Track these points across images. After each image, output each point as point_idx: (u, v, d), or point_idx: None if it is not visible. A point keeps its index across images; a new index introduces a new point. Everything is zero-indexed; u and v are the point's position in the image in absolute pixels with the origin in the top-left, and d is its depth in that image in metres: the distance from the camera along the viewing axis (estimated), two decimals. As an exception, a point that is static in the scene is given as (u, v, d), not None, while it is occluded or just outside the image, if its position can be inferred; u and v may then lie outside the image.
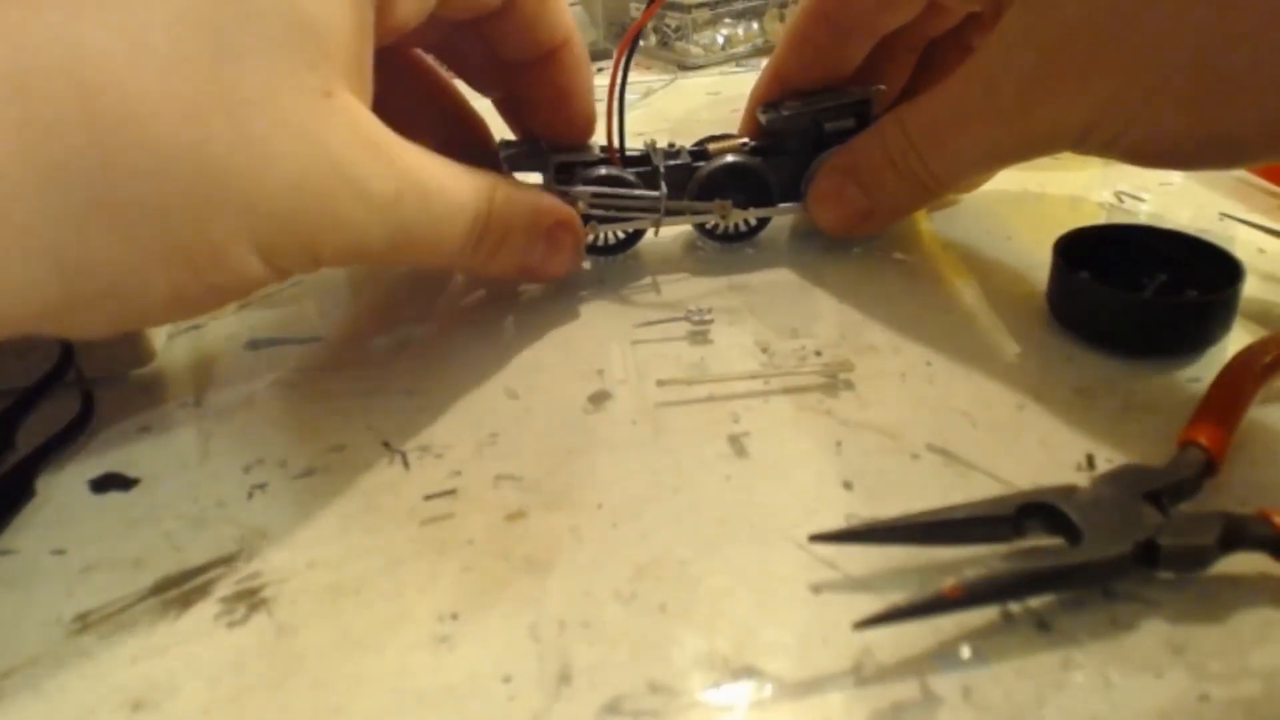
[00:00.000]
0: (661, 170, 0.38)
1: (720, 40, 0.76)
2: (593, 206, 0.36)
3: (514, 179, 0.33)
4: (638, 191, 0.37)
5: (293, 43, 0.24)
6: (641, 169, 0.38)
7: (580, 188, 0.36)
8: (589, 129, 0.38)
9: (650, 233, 0.40)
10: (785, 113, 0.38)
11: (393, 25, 0.28)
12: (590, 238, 0.39)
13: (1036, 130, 0.31)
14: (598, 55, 0.78)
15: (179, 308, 0.24)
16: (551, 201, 0.34)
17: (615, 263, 0.41)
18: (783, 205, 0.40)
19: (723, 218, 0.39)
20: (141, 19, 0.22)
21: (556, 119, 0.37)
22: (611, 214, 0.37)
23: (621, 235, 0.40)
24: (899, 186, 0.35)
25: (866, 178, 0.36)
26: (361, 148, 0.25)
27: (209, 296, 0.25)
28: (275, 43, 0.23)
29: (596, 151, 0.38)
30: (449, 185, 0.28)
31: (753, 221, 0.41)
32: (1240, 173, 0.47)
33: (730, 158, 0.38)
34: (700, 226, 0.40)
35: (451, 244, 0.29)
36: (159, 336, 0.35)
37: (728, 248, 0.42)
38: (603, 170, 0.37)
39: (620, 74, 0.36)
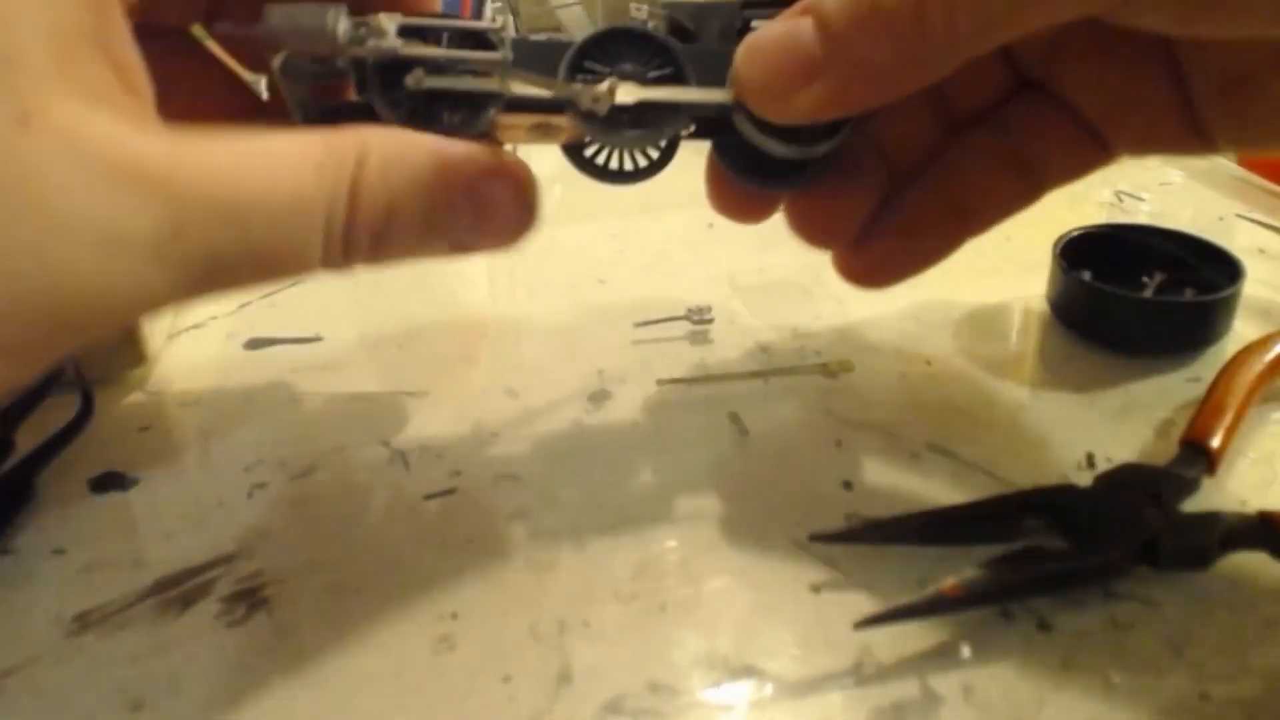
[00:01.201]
0: (508, 33, 0.25)
1: (720, 40, 0.76)
2: (404, 37, 0.24)
3: (400, 130, 0.23)
4: (470, 54, 0.24)
5: None
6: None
7: (384, 19, 0.24)
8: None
9: (500, 135, 0.26)
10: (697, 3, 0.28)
11: None
12: (602, 155, 0.26)
13: None
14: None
15: None
16: (462, 148, 0.23)
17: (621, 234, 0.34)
18: (693, 89, 0.25)
19: (601, 98, 0.24)
20: None
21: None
22: (435, 62, 0.24)
23: (652, 156, 0.27)
24: (887, 30, 0.22)
25: (836, 10, 0.22)
26: (97, 180, 0.18)
27: None
28: None
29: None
30: (275, 180, 0.20)
31: (652, 154, 0.26)
32: (1240, 171, 0.47)
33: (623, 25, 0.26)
34: (575, 151, 0.26)
35: (299, 254, 0.21)
36: (158, 337, 0.35)
37: (616, 184, 0.26)
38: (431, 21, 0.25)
39: None
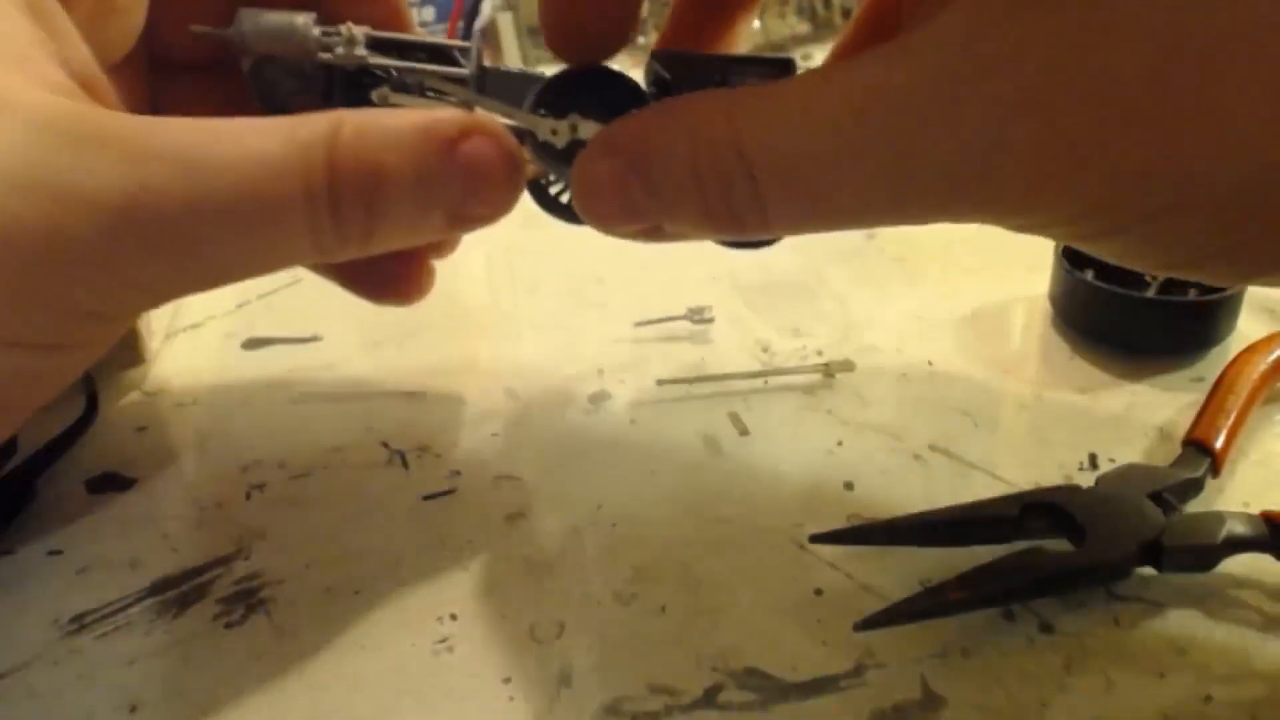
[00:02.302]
0: (475, 51, 0.25)
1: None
2: (372, 49, 0.24)
3: (383, 109, 0.23)
4: (432, 67, 0.25)
5: None
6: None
7: (354, 28, 0.24)
8: (402, 21, 0.28)
9: None
10: (683, 54, 0.27)
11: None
12: (559, 191, 0.27)
13: (989, 197, 0.20)
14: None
15: None
16: (449, 111, 0.23)
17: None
18: None
19: (560, 131, 0.25)
20: None
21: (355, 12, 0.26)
22: (402, 75, 0.25)
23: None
24: (701, 208, 0.22)
25: (659, 178, 0.22)
26: (57, 142, 0.18)
27: None
28: None
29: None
30: (244, 144, 0.20)
31: None
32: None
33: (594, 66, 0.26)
34: (534, 184, 0.26)
35: (280, 224, 0.20)
36: (156, 337, 0.35)
37: (571, 221, 0.26)
38: (401, 35, 0.25)
39: None
